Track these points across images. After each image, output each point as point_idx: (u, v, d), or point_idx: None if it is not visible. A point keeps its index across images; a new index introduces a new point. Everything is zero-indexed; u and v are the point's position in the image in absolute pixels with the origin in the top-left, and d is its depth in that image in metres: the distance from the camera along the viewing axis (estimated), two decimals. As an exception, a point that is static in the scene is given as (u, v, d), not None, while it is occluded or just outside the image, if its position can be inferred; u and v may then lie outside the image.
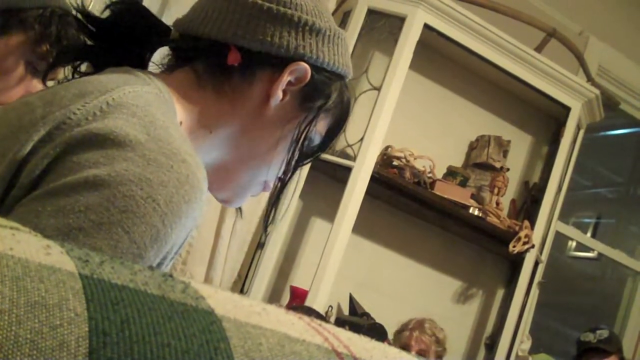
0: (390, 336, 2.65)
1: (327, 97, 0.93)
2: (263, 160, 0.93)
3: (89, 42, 0.90)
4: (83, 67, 0.91)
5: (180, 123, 0.85)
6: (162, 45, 0.93)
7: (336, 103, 0.94)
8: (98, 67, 0.89)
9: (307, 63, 0.89)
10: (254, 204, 2.57)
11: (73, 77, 0.88)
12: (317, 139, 0.97)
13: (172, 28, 0.92)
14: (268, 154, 0.92)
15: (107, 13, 0.89)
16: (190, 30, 0.90)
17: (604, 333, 2.93)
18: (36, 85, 1.36)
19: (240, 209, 1.41)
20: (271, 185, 0.97)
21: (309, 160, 0.99)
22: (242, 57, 0.88)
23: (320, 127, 0.95)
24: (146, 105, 0.73)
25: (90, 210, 0.63)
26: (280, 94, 0.89)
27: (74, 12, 0.92)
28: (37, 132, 0.68)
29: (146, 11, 0.92)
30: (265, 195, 1.55)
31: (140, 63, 0.91)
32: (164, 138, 0.69)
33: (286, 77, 0.89)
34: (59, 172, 0.66)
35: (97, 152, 0.66)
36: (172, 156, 0.68)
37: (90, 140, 0.67)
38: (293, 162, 0.93)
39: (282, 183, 0.95)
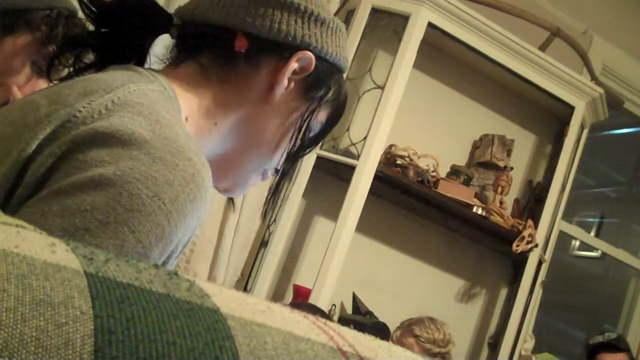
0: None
1: (327, 88, 0.94)
2: (266, 150, 0.93)
3: (91, 29, 0.91)
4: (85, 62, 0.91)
5: (186, 119, 0.85)
6: (165, 32, 0.93)
7: (335, 95, 0.95)
8: (100, 56, 0.89)
9: (312, 53, 0.90)
10: (257, 202, 2.57)
11: (75, 72, 0.89)
12: (317, 128, 0.98)
13: (174, 16, 0.92)
14: (271, 143, 0.93)
15: None
16: (196, 17, 0.90)
17: (612, 335, 2.96)
18: (42, 85, 1.37)
19: (233, 202, 1.42)
20: (269, 174, 0.98)
21: (307, 151, 1.00)
22: (248, 44, 0.88)
23: (320, 117, 0.97)
24: (151, 103, 0.73)
25: (96, 209, 0.62)
26: (285, 82, 0.89)
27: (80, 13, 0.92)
28: (43, 131, 0.68)
29: None
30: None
31: (140, 51, 0.92)
32: (170, 136, 0.69)
33: (292, 65, 0.89)
34: (65, 171, 0.65)
35: (103, 150, 0.66)
36: (177, 154, 0.68)
37: (95, 139, 0.66)
38: (294, 152, 0.94)
39: (283, 172, 0.96)
